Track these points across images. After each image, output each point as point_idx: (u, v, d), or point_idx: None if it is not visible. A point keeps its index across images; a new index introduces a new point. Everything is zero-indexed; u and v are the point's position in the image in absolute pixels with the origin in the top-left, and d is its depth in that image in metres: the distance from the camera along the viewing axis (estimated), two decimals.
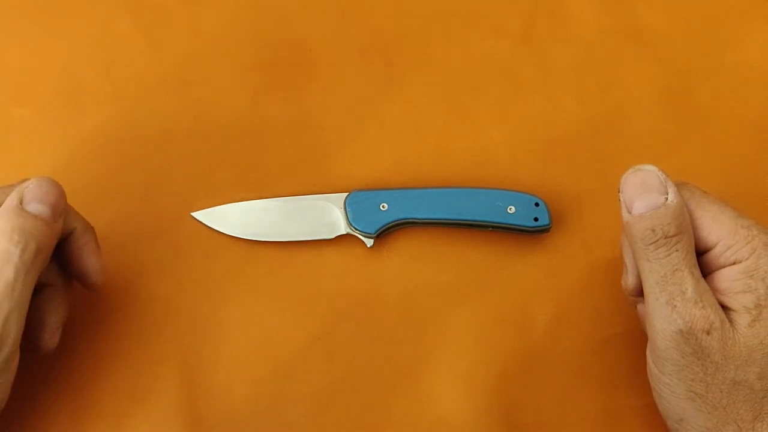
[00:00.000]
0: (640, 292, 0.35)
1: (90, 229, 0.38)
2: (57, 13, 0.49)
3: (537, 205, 0.42)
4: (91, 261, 0.37)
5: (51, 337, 0.36)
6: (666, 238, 0.32)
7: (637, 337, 0.40)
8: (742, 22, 0.50)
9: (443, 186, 0.44)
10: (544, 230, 0.42)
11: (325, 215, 0.43)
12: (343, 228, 0.43)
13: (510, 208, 0.42)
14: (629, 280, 0.35)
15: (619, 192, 0.34)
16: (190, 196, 0.44)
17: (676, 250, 0.32)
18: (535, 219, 0.42)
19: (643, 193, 0.33)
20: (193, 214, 0.43)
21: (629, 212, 0.33)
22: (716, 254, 0.33)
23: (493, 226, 0.42)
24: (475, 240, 0.43)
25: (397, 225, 0.43)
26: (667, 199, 0.32)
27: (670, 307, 0.31)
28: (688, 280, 0.31)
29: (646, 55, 0.49)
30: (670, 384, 0.32)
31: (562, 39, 0.49)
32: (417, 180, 0.44)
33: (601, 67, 0.48)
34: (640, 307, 0.37)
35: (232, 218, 0.43)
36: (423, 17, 0.50)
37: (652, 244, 0.32)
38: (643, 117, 0.47)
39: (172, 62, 0.48)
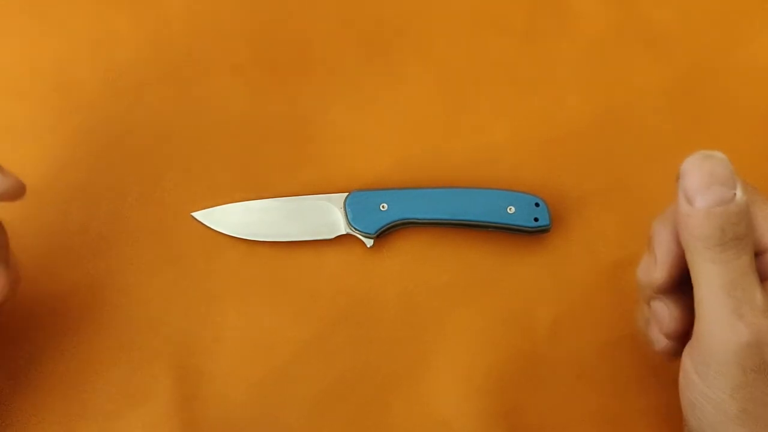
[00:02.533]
0: (666, 289, 0.32)
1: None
2: (54, 10, 0.49)
3: (537, 205, 0.42)
4: None
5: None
6: (736, 239, 0.28)
7: (638, 338, 0.39)
8: (751, 21, 0.49)
9: (443, 186, 0.43)
10: (544, 230, 0.42)
11: (325, 215, 0.43)
12: (343, 228, 0.43)
13: (510, 208, 0.41)
14: (656, 275, 0.32)
15: (677, 179, 0.30)
16: (190, 196, 0.44)
17: (746, 254, 0.28)
18: (536, 219, 0.41)
19: (712, 185, 0.28)
20: (193, 214, 0.43)
21: (692, 205, 0.29)
22: None
23: (493, 226, 0.42)
24: (475, 240, 0.43)
25: (397, 225, 0.43)
26: (735, 195, 0.28)
27: (737, 316, 0.28)
28: (756, 286, 0.28)
29: (652, 53, 0.48)
30: (720, 401, 0.29)
31: (566, 36, 0.49)
32: (417, 180, 0.44)
33: (605, 66, 0.48)
34: (658, 305, 0.33)
35: (232, 218, 0.43)
36: (424, 15, 0.49)
37: (719, 245, 0.28)
38: (649, 116, 0.46)
39: (171, 61, 0.48)
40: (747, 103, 0.47)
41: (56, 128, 0.45)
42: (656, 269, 0.32)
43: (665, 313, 0.32)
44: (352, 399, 0.40)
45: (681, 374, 0.31)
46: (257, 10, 0.49)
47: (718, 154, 0.29)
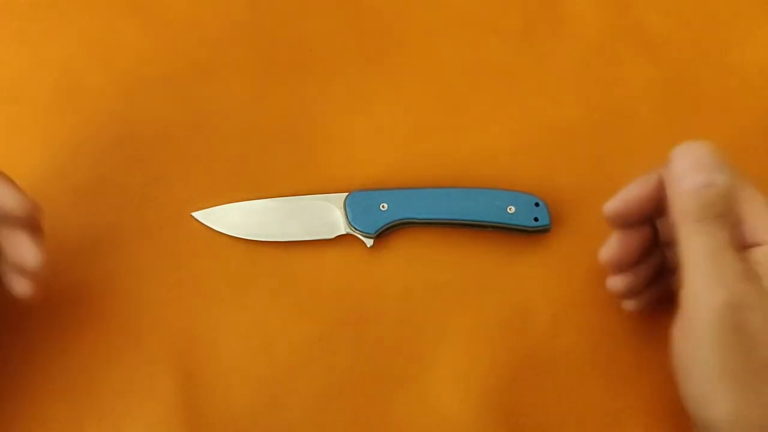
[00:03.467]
0: (616, 265, 0.37)
1: (30, 207, 0.34)
2: (56, 12, 0.49)
3: (537, 205, 0.42)
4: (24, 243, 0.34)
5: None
6: (719, 216, 0.32)
7: (637, 337, 0.40)
8: (744, 22, 0.50)
9: (443, 186, 0.44)
10: (544, 230, 0.42)
11: (325, 215, 0.43)
12: (343, 228, 0.43)
13: (510, 208, 0.42)
14: (610, 250, 0.37)
15: (668, 163, 0.34)
16: (190, 196, 0.44)
17: (726, 230, 0.32)
18: (535, 219, 0.42)
19: (700, 167, 0.33)
20: (193, 214, 0.43)
21: (682, 186, 0.33)
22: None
23: (493, 226, 0.42)
24: (475, 240, 0.43)
25: (397, 225, 0.43)
26: (720, 178, 0.32)
27: (717, 279, 0.31)
28: (736, 257, 0.31)
29: (647, 54, 0.49)
30: (704, 361, 0.32)
31: (563, 38, 0.49)
32: (417, 180, 0.44)
33: (601, 67, 0.48)
34: (613, 281, 0.38)
35: (232, 218, 0.43)
36: (423, 16, 0.50)
37: (703, 220, 0.32)
38: (643, 116, 0.47)
39: (172, 61, 0.47)
40: (739, 103, 0.47)
41: (58, 129, 0.45)
42: (611, 200, 0.36)
43: (612, 238, 0.37)
44: (353, 398, 0.40)
45: (671, 347, 0.34)
46: (258, 14, 0.49)
47: (704, 143, 0.33)
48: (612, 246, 0.37)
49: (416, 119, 0.46)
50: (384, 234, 0.43)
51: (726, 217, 0.32)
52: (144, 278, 0.42)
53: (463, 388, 0.40)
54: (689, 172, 0.33)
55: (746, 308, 0.31)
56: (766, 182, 0.45)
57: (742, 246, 0.33)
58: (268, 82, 0.47)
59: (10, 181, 0.34)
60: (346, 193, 0.43)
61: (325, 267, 0.43)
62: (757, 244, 0.33)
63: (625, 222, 0.37)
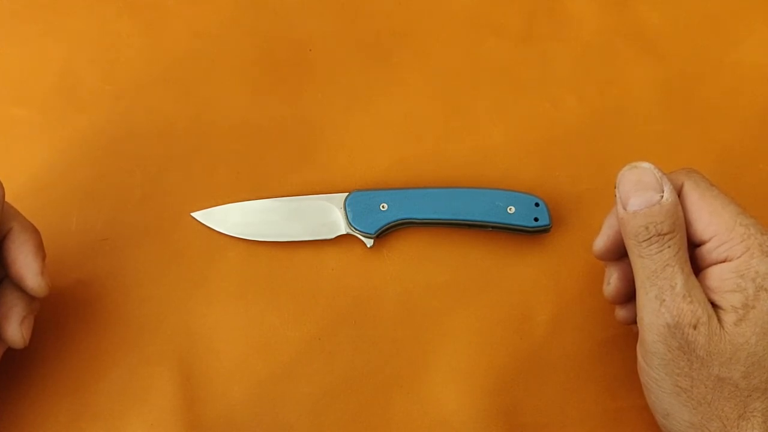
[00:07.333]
0: (620, 299, 0.37)
1: (29, 229, 0.36)
2: (55, 12, 0.49)
3: (537, 205, 0.42)
4: (28, 262, 0.35)
5: (15, 330, 0.35)
6: (659, 235, 0.32)
7: (637, 336, 0.40)
8: (742, 22, 0.50)
9: (443, 186, 0.44)
10: (544, 230, 0.42)
11: (325, 215, 0.43)
12: (343, 228, 0.43)
13: (510, 208, 0.42)
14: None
15: (615, 188, 0.34)
16: (189, 196, 0.44)
17: (668, 247, 0.32)
18: (535, 219, 0.42)
19: (639, 190, 0.33)
20: (193, 214, 0.43)
21: (624, 209, 0.33)
22: (709, 249, 0.33)
23: (493, 226, 0.42)
24: (475, 240, 0.43)
25: (397, 225, 0.43)
26: (662, 197, 0.32)
27: (659, 301, 0.32)
28: (678, 275, 0.32)
29: (646, 54, 0.49)
30: (657, 378, 0.33)
31: (562, 39, 0.49)
32: (417, 180, 0.44)
33: (600, 67, 0.48)
34: (620, 312, 0.38)
35: (232, 218, 0.43)
36: (423, 17, 0.50)
37: (644, 241, 0.32)
38: (643, 116, 0.47)
39: (172, 62, 0.48)
40: (738, 102, 0.47)
41: (58, 130, 0.45)
42: (596, 238, 0.37)
43: (606, 276, 0.38)
44: (353, 398, 0.40)
45: (637, 363, 0.35)
46: (258, 13, 0.50)
47: (644, 164, 0.34)
48: (612, 283, 0.37)
49: (416, 119, 0.46)
50: (384, 234, 0.43)
51: (673, 232, 0.32)
52: (144, 278, 0.42)
53: (463, 388, 0.40)
54: (631, 194, 0.33)
55: (689, 328, 0.31)
56: (765, 182, 0.45)
57: (699, 243, 0.33)
58: (268, 82, 0.47)
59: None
60: (346, 193, 0.43)
61: (325, 267, 0.43)
62: (704, 242, 0.33)
63: (616, 255, 0.37)
